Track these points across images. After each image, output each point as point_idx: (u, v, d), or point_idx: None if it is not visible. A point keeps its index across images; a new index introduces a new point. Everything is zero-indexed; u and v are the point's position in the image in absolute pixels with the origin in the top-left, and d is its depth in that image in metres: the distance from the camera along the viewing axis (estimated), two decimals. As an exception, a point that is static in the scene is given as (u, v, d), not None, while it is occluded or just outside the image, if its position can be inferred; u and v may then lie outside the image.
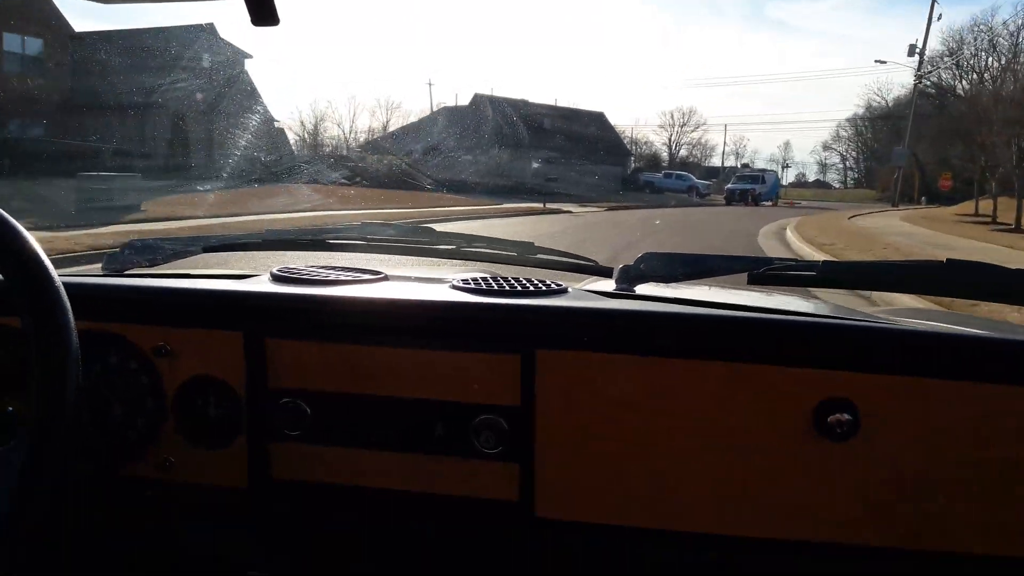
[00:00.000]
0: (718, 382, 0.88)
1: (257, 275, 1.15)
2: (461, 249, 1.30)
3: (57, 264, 0.74)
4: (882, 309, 1.55)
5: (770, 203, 37.30)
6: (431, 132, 32.98)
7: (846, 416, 0.85)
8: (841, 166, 70.97)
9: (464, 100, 42.02)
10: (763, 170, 46.40)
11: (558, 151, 33.14)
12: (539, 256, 1.30)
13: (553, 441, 0.92)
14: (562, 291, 1.05)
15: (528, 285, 1.05)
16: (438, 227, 1.35)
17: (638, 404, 0.90)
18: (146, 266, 1.27)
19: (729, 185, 39.91)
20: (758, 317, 0.94)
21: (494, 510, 0.94)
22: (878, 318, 1.06)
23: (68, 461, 0.68)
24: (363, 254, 1.34)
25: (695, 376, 0.89)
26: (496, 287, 1.04)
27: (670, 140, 68.51)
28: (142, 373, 1.00)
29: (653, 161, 60.42)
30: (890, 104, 58.02)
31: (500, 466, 0.93)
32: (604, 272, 1.26)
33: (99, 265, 1.28)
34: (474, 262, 1.34)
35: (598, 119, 46.62)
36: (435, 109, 41.75)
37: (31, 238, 0.70)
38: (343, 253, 1.34)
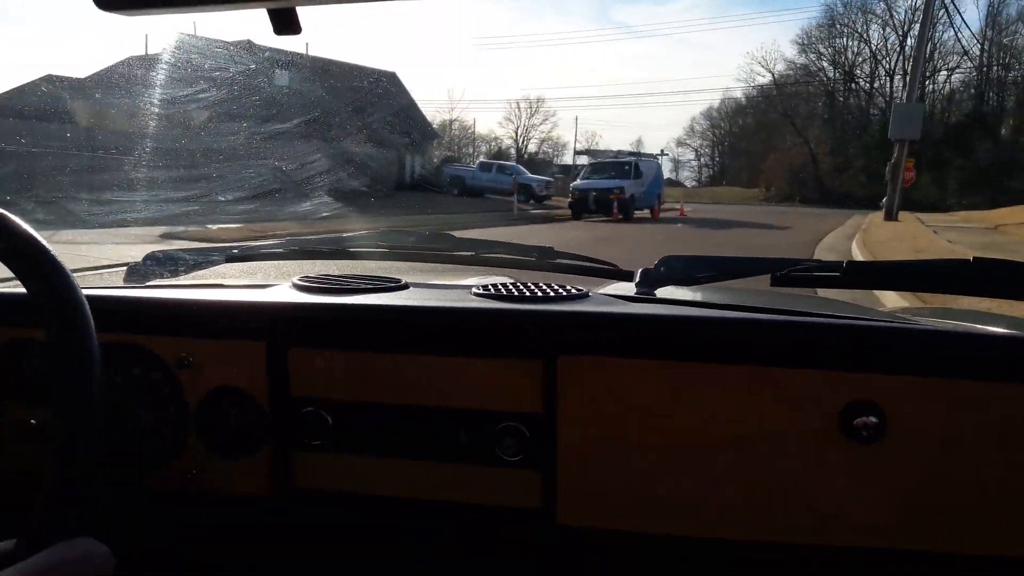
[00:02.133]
0: (742, 386, 0.88)
1: (279, 284, 1.15)
2: (480, 255, 1.30)
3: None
4: (910, 309, 1.52)
5: (651, 213, 23.28)
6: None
7: (872, 419, 0.84)
8: (696, 163, 69.58)
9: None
10: (636, 154, 28.43)
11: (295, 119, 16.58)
12: (559, 261, 1.30)
13: (576, 448, 0.91)
14: (583, 296, 1.05)
15: (549, 291, 1.05)
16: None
17: (661, 409, 0.89)
18: (168, 277, 1.28)
19: (578, 182, 23.70)
20: (781, 319, 0.93)
21: (516, 518, 0.94)
22: (904, 318, 1.05)
23: (95, 470, 0.68)
24: (384, 262, 1.34)
25: (719, 380, 0.88)
26: (517, 293, 1.04)
27: (516, 133, 63.07)
28: (165, 384, 1.00)
29: (499, 158, 53.54)
30: (752, 94, 57.91)
31: (522, 473, 0.93)
32: (624, 276, 1.25)
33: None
34: (494, 268, 1.34)
35: (390, 80, 29.86)
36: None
37: (52, 250, 0.70)
38: (364, 261, 1.34)
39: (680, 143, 69.42)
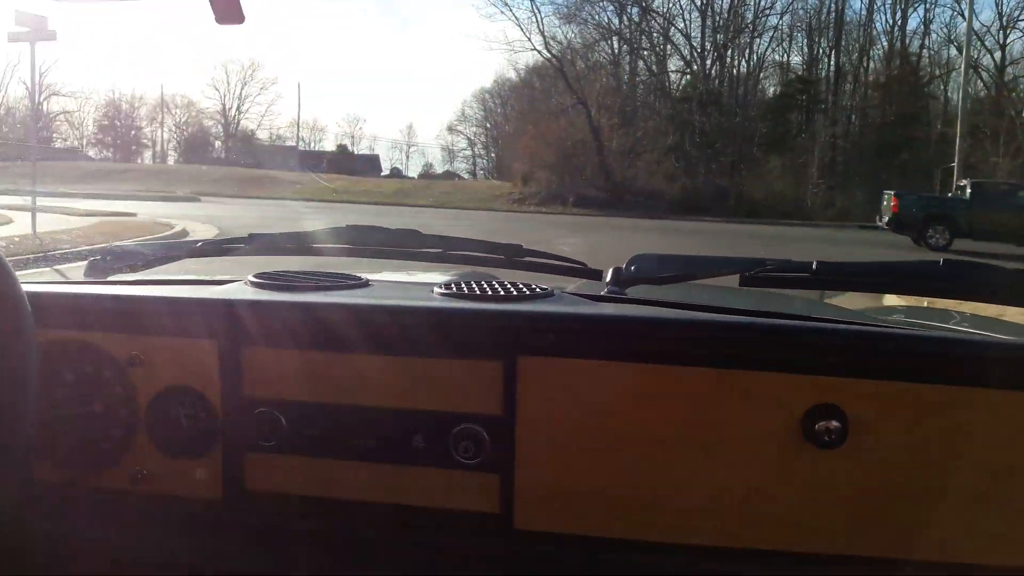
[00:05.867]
0: (705, 389, 0.87)
1: (237, 280, 1.13)
2: (448, 253, 1.29)
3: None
4: (880, 308, 1.56)
5: None
6: None
7: (834, 423, 0.84)
8: (469, 152, 59.07)
9: None
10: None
11: None
12: (528, 259, 1.28)
13: (534, 451, 0.90)
14: (547, 295, 1.03)
15: (513, 290, 1.03)
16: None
17: (622, 412, 0.88)
18: (127, 272, 1.26)
19: None
20: (744, 321, 0.92)
21: (474, 522, 0.92)
22: (871, 319, 1.07)
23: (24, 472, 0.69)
24: (350, 259, 1.33)
25: (681, 383, 0.87)
26: (480, 292, 1.02)
27: (225, 108, 52.07)
28: (116, 383, 0.98)
29: (203, 142, 46.33)
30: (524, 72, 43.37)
31: (480, 477, 0.91)
32: (594, 274, 1.24)
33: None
34: (462, 265, 1.34)
35: None
36: None
37: None
38: (329, 257, 1.34)
39: (452, 129, 59.51)
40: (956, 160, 24.95)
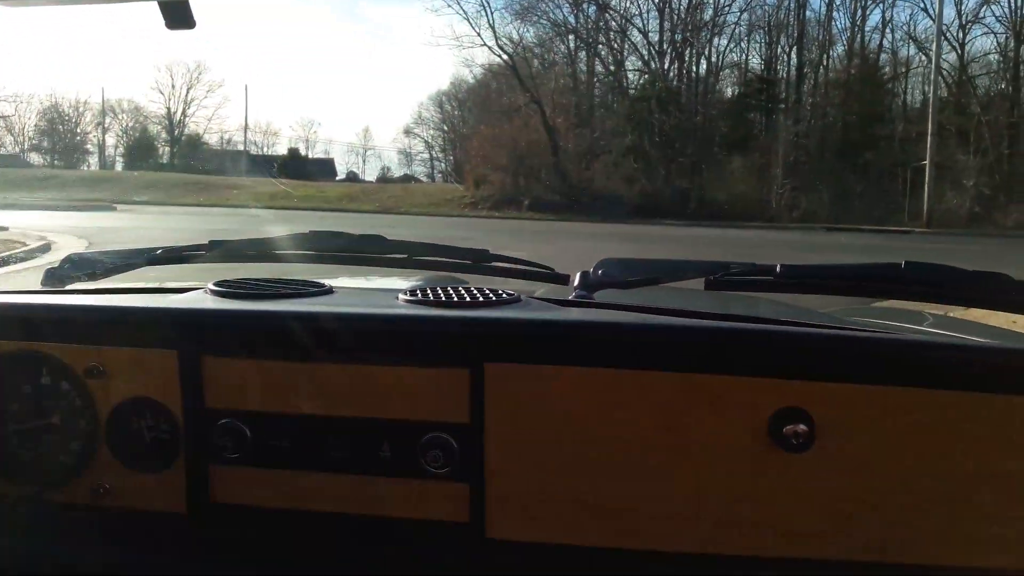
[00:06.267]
0: (671, 393, 0.86)
1: (197, 288, 1.11)
2: (413, 258, 1.27)
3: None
4: (851, 308, 1.57)
5: None
6: None
7: (801, 426, 0.83)
8: (427, 155, 58.48)
9: None
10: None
11: None
12: (494, 264, 1.28)
13: (504, 459, 0.89)
14: (514, 300, 1.02)
15: (479, 296, 1.02)
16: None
17: (590, 418, 0.88)
18: (85, 280, 1.24)
19: None
20: (708, 326, 0.92)
21: (444, 532, 0.91)
22: (838, 320, 1.07)
23: None
24: (314, 265, 1.31)
25: (647, 388, 0.87)
26: (445, 298, 1.01)
27: (169, 112, 50.49)
28: (75, 395, 0.96)
29: (147, 147, 46.32)
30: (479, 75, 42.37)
31: (449, 486, 0.90)
32: (561, 279, 1.25)
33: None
34: (428, 271, 1.33)
35: None
36: None
37: None
38: (293, 264, 1.32)
39: (408, 132, 58.51)
40: (928, 158, 23.88)
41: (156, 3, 0.60)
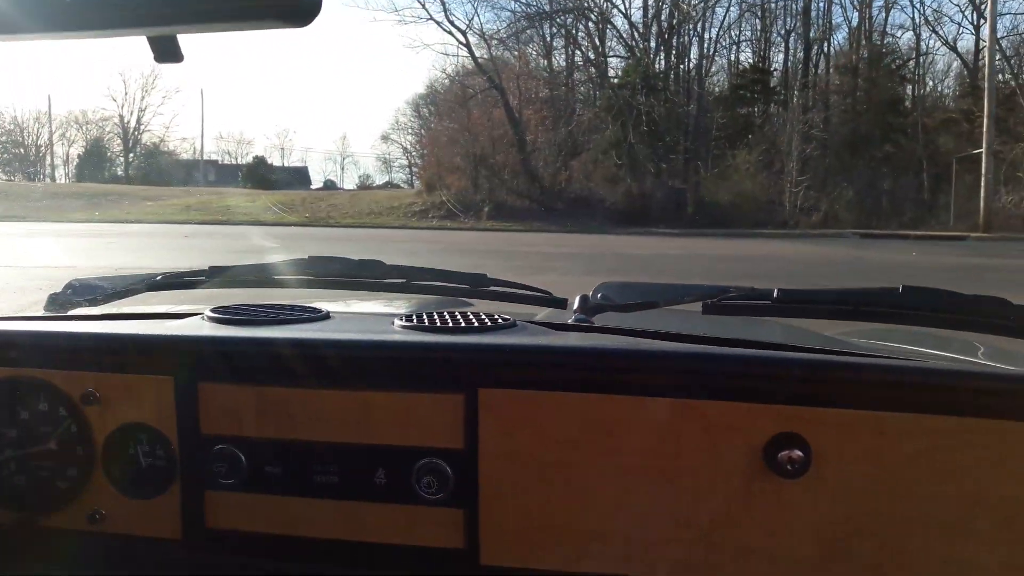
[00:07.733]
0: (666, 419, 0.86)
1: (195, 314, 1.12)
2: (411, 283, 1.27)
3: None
4: (852, 330, 1.56)
5: None
6: None
7: (797, 452, 0.83)
8: (405, 161, 56.73)
9: None
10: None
11: None
12: (492, 288, 1.28)
13: (499, 485, 0.89)
14: (509, 325, 1.02)
15: (474, 320, 1.03)
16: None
17: (584, 444, 0.88)
18: (87, 306, 1.25)
19: None
20: (704, 351, 0.92)
21: (438, 559, 0.91)
22: (837, 343, 1.07)
23: None
24: (311, 290, 1.31)
25: (642, 413, 0.87)
26: (440, 324, 1.01)
27: (122, 120, 48.63)
28: (71, 421, 0.97)
29: (96, 154, 45.31)
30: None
31: (444, 512, 0.90)
32: (559, 303, 1.25)
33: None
34: (425, 296, 1.33)
35: None
36: None
37: None
38: (291, 289, 1.32)
39: (385, 138, 57.56)
40: (984, 145, 19.08)
41: (144, 38, 0.60)
